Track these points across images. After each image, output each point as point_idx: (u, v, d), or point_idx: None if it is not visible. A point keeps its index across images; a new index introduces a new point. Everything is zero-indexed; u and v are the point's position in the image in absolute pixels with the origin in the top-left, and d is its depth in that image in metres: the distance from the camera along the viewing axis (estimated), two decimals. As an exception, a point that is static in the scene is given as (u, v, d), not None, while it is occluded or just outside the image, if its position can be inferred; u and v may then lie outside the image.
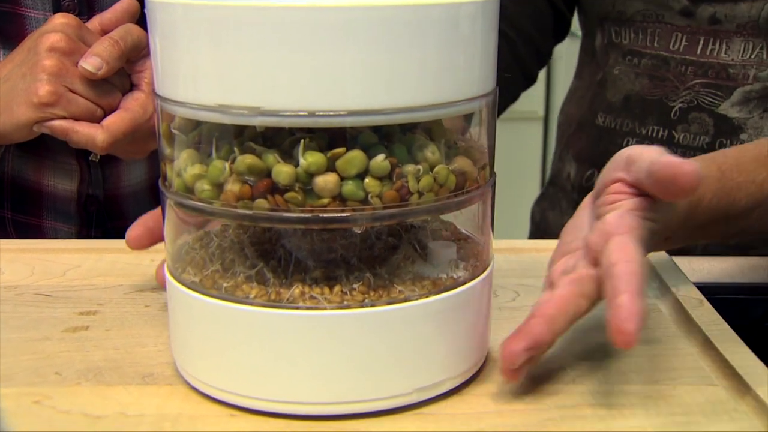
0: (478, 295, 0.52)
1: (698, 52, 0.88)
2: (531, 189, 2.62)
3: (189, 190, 0.49)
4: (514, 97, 1.03)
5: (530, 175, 2.61)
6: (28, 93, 0.73)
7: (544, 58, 1.04)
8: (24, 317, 0.62)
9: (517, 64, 1.00)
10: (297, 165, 0.45)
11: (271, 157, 0.46)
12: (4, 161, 0.86)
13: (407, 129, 0.48)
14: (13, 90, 0.74)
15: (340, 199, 0.46)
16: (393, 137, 0.48)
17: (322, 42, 0.43)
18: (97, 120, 0.75)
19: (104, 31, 0.78)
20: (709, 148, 0.88)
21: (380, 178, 0.46)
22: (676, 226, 0.60)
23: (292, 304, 0.47)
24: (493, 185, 0.53)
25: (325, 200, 0.46)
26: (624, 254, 0.49)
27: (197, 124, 0.49)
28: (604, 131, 0.97)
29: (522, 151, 2.50)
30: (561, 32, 1.05)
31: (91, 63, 0.73)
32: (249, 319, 0.48)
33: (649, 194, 0.54)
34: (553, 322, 0.50)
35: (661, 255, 0.73)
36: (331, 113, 0.44)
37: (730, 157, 0.64)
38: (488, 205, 0.53)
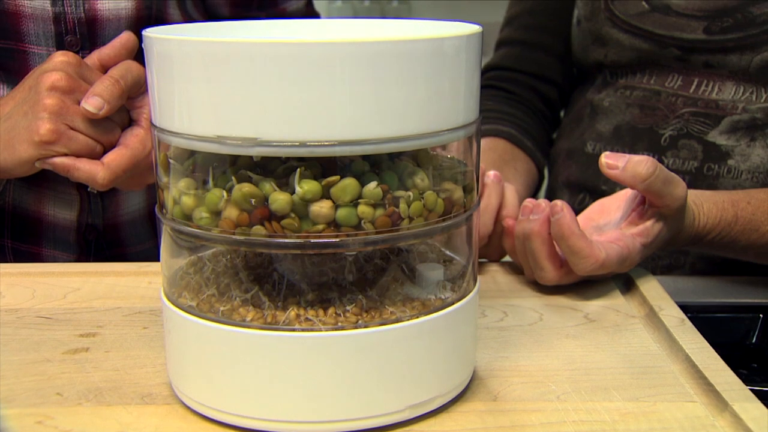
0: (466, 314, 0.54)
1: (691, 90, 0.91)
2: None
3: (187, 217, 0.51)
4: (550, 141, 1.08)
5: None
6: (29, 131, 0.73)
7: (566, 100, 1.09)
8: (25, 339, 0.64)
9: (549, 110, 1.08)
10: (293, 192, 0.47)
11: (268, 186, 0.48)
12: (5, 191, 0.86)
13: (395, 156, 0.50)
14: (15, 128, 0.74)
15: (334, 225, 0.48)
16: (381, 164, 0.50)
17: (313, 76, 0.45)
18: (97, 156, 0.76)
19: (103, 66, 0.78)
20: (698, 172, 0.90)
21: (373, 205, 0.48)
22: (682, 244, 0.77)
23: (288, 326, 0.49)
24: (478, 210, 0.55)
25: (320, 226, 0.48)
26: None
27: (191, 153, 0.51)
28: (594, 158, 0.99)
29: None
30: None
31: (92, 103, 0.74)
32: (247, 342, 0.49)
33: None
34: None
35: (644, 274, 0.75)
36: (323, 143, 0.46)
37: (753, 204, 0.77)
38: (474, 229, 0.56)
